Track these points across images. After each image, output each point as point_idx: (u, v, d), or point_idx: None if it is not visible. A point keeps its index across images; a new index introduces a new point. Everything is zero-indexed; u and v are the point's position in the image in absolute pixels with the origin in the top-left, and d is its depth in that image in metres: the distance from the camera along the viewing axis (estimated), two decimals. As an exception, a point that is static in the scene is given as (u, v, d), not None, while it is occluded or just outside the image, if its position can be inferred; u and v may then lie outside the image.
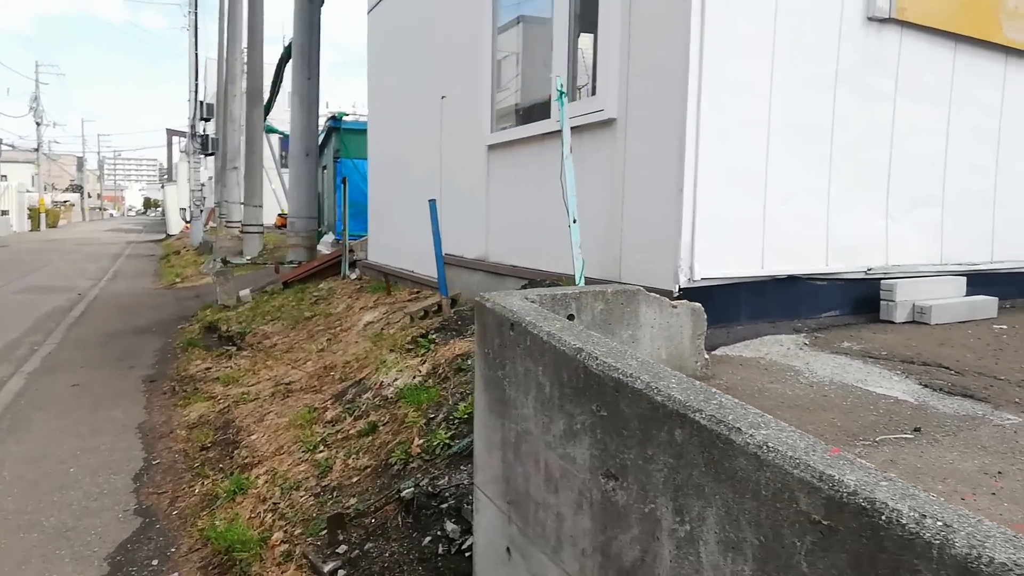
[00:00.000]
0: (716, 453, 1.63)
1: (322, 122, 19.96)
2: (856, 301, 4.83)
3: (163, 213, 57.41)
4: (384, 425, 4.30)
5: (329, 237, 19.48)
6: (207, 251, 23.63)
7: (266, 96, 23.16)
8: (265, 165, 22.22)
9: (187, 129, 37.82)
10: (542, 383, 2.40)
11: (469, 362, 4.45)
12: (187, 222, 37.05)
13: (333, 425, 4.70)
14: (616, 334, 3.10)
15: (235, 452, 5.13)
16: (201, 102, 30.57)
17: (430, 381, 4.51)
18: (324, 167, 20.88)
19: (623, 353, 2.18)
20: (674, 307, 3.18)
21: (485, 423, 2.85)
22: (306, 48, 15.10)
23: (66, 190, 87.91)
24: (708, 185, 4.14)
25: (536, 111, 6.46)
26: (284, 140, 33.50)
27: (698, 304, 3.27)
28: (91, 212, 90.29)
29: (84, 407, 6.84)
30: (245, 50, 23.77)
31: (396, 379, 4.77)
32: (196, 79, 31.95)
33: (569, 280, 5.11)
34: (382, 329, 6.79)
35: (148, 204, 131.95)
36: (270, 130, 26.73)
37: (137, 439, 5.94)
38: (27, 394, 7.37)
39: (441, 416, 3.95)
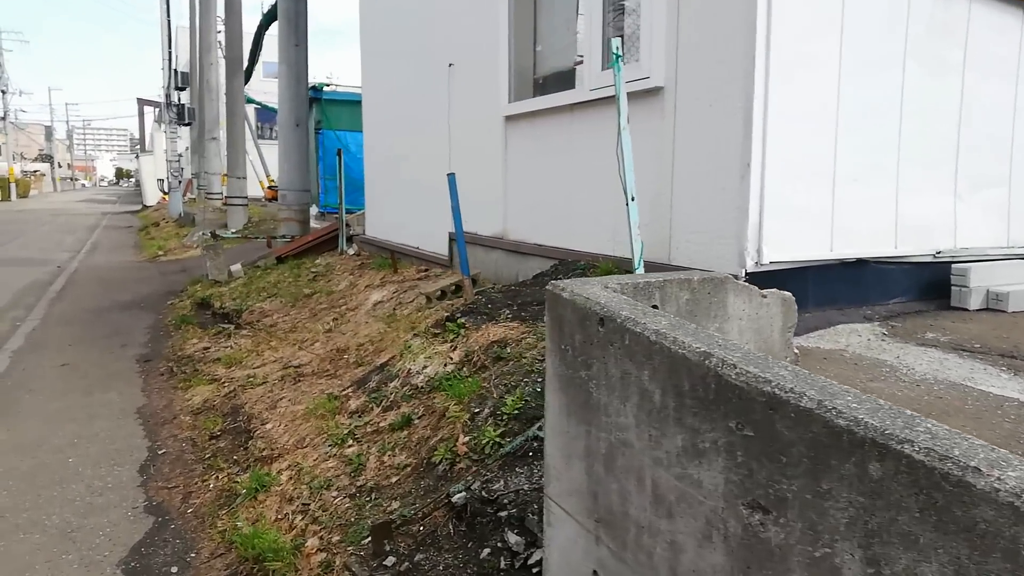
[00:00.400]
0: (940, 497, 1.31)
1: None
2: (924, 286, 4.55)
3: (138, 184, 56.25)
4: (420, 418, 3.97)
5: (313, 209, 19.00)
6: (188, 223, 23.02)
7: (245, 65, 22.52)
8: (241, 136, 21.68)
9: (160, 98, 36.85)
10: (648, 390, 2.08)
11: (508, 350, 4.12)
12: (165, 193, 36.24)
13: (360, 416, 4.35)
14: (703, 327, 2.79)
15: (249, 443, 4.77)
16: (176, 71, 29.75)
17: (465, 370, 4.18)
18: (306, 138, 20.35)
19: (764, 359, 1.86)
20: (763, 296, 2.88)
21: (562, 428, 2.54)
22: (292, 13, 14.44)
23: (35, 160, 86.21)
24: (776, 164, 3.83)
25: (555, 80, 6.09)
26: (260, 111, 32.71)
27: (788, 293, 2.97)
28: (62, 182, 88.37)
29: (77, 389, 6.44)
30: (220, 18, 23.04)
31: (425, 366, 4.43)
32: (170, 48, 31.06)
33: (607, 262, 4.80)
34: (394, 310, 6.44)
35: (120, 174, 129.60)
36: (248, 100, 25.97)
37: (138, 425, 5.55)
38: (14, 374, 6.95)
39: (487, 411, 3.62)
